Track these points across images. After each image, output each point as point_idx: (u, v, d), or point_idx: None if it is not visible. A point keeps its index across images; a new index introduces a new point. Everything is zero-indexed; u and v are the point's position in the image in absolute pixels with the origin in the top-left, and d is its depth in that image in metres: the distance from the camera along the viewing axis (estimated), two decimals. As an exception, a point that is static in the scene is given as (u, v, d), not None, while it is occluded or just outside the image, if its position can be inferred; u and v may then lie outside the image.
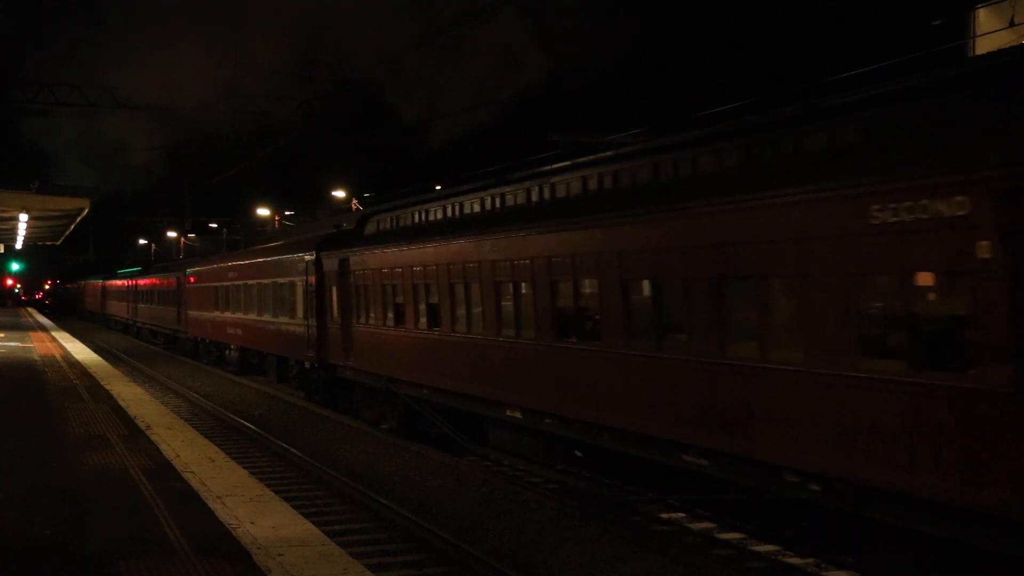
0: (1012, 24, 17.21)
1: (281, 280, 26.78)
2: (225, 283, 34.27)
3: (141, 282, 56.23)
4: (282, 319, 26.71)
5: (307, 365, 25.10)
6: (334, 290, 22.81)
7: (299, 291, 25.06)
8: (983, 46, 18.10)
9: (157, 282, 50.81)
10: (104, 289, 76.01)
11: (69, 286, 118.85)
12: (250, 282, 30.54)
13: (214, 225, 77.09)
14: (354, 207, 47.76)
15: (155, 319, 52.15)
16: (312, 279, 23.81)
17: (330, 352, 23.28)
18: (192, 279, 40.46)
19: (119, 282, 67.16)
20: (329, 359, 23.40)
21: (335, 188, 54.24)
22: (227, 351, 35.61)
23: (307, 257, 24.26)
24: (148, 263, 67.35)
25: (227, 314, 33.89)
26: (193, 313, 40.39)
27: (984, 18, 19.37)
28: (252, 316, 30.29)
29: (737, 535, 12.36)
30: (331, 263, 23.00)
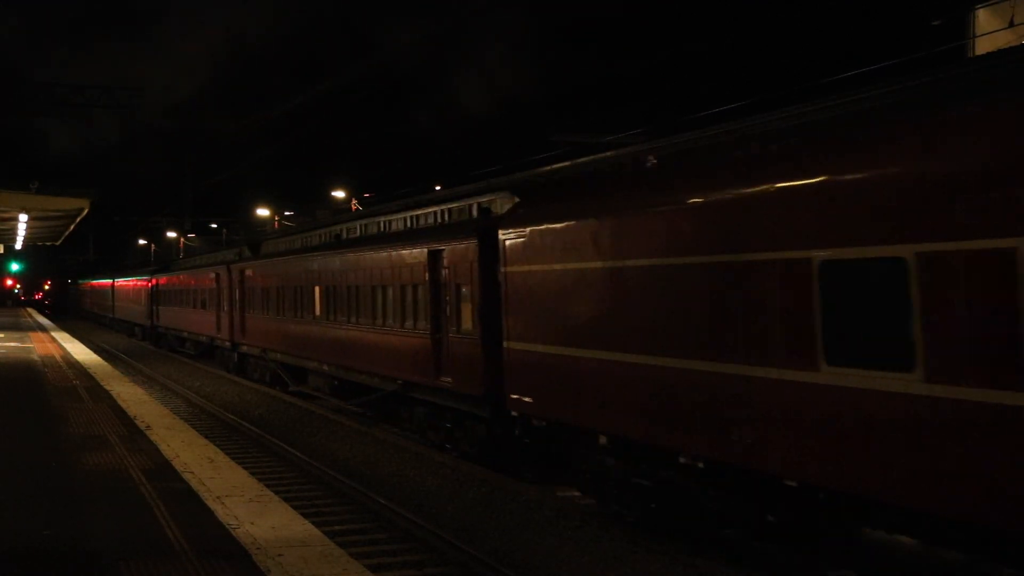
0: (1012, 24, 17.21)
1: None
2: None
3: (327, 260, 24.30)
4: None
5: None
6: None
7: None
8: (983, 46, 18.10)
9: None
10: (156, 291, 49.22)
11: (83, 285, 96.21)
12: None
13: (214, 225, 77.22)
14: (353, 207, 47.71)
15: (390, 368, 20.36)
16: None
17: None
18: None
19: (191, 280, 40.63)
20: None
21: (335, 188, 54.29)
22: None
23: None
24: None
25: None
26: None
27: (984, 18, 19.38)
28: None
29: (737, 535, 12.34)
30: None
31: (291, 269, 27.27)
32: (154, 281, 49.90)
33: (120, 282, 64.78)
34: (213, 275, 36.29)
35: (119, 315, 64.66)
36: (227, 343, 34.61)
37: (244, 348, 32.90)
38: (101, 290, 77.26)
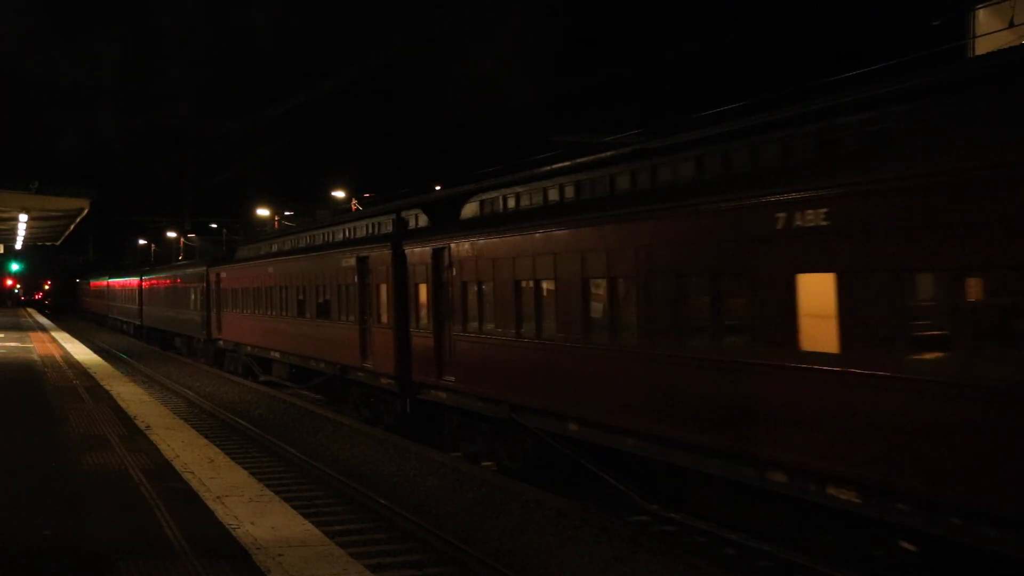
0: (1012, 24, 17.21)
1: None
2: None
3: None
4: None
5: None
6: None
7: None
8: (983, 46, 18.10)
9: None
10: (217, 292, 35.52)
11: (95, 285, 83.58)
12: None
13: (214, 225, 77.31)
14: (353, 207, 47.75)
15: None
16: None
17: None
18: None
19: (292, 273, 26.66)
20: None
21: (335, 188, 54.35)
22: None
23: None
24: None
25: None
26: None
27: (984, 18, 19.39)
28: None
29: (738, 535, 12.35)
30: None
31: (628, 241, 12.50)
32: (213, 277, 36.04)
33: (152, 280, 50.11)
34: (351, 262, 22.14)
35: (151, 323, 50.58)
36: (388, 381, 20.27)
37: (441, 395, 18.08)
38: (123, 291, 60.92)
